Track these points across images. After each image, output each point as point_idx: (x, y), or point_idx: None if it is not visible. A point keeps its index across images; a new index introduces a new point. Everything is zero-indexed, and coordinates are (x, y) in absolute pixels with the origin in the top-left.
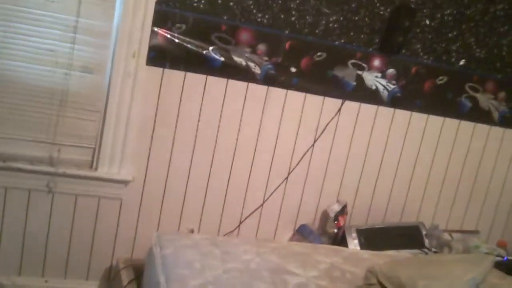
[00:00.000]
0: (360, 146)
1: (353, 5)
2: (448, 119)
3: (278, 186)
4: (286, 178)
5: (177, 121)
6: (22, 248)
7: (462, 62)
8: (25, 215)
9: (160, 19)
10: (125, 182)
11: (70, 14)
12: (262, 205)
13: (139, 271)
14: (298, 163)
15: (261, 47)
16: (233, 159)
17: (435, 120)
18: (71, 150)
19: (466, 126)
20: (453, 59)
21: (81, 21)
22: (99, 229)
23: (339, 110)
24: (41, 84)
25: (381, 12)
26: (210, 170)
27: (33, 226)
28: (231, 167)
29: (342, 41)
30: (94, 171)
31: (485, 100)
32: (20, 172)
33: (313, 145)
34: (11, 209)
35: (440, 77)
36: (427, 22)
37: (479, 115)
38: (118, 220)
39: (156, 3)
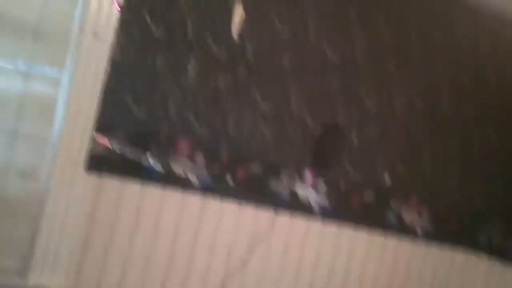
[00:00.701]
0: (294, 257)
1: (287, 121)
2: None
3: None
4: None
5: (113, 229)
6: None
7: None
8: None
9: (100, 127)
10: None
11: (9, 118)
12: None
13: None
14: (232, 275)
15: (199, 157)
16: (167, 268)
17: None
18: (1, 258)
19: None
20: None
21: (21, 125)
22: None
23: (273, 221)
24: None
25: (313, 129)
26: (145, 280)
27: None
28: (166, 277)
29: (277, 155)
30: (23, 279)
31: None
32: None
33: (246, 256)
34: None
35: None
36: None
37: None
38: None
39: (98, 111)
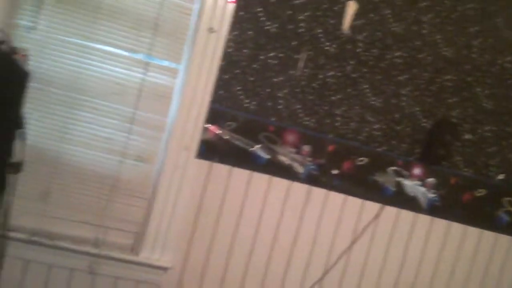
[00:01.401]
0: (397, 252)
1: (396, 115)
2: (486, 232)
3: (313, 286)
4: (321, 279)
5: (219, 214)
6: None
7: (501, 177)
8: None
9: (212, 116)
10: (164, 269)
11: (128, 106)
12: None
13: None
14: (333, 265)
15: (306, 148)
16: (269, 255)
17: (473, 231)
18: (116, 234)
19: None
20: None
21: (138, 113)
22: None
23: (378, 214)
24: (95, 169)
25: (423, 124)
26: (248, 266)
27: None
28: (268, 263)
29: (384, 148)
30: (135, 255)
31: None
32: (65, 251)
33: (349, 247)
34: (53, 286)
35: (479, 190)
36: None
37: None
38: None
39: (210, 102)
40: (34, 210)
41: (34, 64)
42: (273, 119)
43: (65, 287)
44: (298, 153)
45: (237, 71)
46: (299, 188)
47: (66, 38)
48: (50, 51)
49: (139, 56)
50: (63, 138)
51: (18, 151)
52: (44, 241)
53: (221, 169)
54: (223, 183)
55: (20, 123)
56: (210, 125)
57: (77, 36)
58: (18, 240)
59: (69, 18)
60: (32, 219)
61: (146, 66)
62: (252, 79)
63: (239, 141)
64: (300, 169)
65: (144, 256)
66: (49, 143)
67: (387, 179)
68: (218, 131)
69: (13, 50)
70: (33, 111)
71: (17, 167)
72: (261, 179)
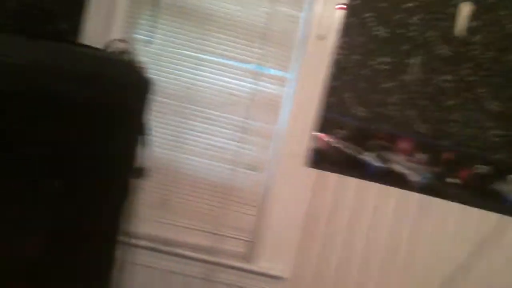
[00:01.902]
0: None
1: None
2: None
3: None
4: None
5: (330, 222)
6: None
7: None
8: None
9: (321, 124)
10: (278, 278)
11: (239, 115)
12: None
13: None
14: (451, 280)
15: (419, 156)
16: (383, 266)
17: None
18: (230, 242)
19: None
20: None
21: (249, 122)
22: None
23: (498, 225)
24: (208, 178)
25: None
26: (362, 278)
27: None
28: (382, 275)
29: (504, 155)
30: (249, 264)
31: None
32: (182, 258)
33: (467, 260)
34: None
35: None
36: None
37: None
38: None
39: (319, 110)
40: (153, 217)
41: (151, 77)
42: (384, 126)
43: None
44: (411, 161)
45: (347, 77)
46: (413, 198)
47: (180, 51)
48: (166, 63)
49: (250, 66)
50: (179, 148)
51: (141, 157)
52: (162, 247)
53: (330, 178)
54: (333, 192)
55: (143, 129)
56: (320, 132)
57: (190, 49)
58: (138, 246)
59: (183, 32)
60: (151, 226)
61: (256, 75)
62: (362, 85)
63: (349, 149)
64: (414, 177)
65: (258, 264)
66: (166, 152)
67: (507, 188)
68: (328, 139)
69: (135, 61)
70: (151, 121)
71: (140, 173)
72: (372, 188)
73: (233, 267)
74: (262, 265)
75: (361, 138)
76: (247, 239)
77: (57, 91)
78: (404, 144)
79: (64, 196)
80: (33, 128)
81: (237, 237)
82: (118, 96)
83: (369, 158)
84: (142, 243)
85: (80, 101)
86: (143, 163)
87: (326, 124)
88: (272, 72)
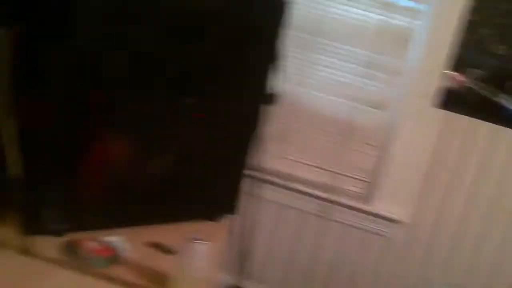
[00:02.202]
0: None
1: None
2: None
3: None
4: None
5: (456, 169)
6: (285, 264)
7: None
8: (294, 232)
9: (455, 62)
10: (394, 222)
11: (365, 49)
12: None
13: None
14: None
15: None
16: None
17: None
18: (348, 181)
19: None
20: None
21: (375, 57)
22: (362, 262)
23: None
24: (328, 114)
25: None
26: (486, 229)
27: (300, 244)
28: (510, 229)
29: None
30: (366, 205)
31: None
32: (296, 192)
33: None
34: (281, 224)
35: None
36: None
37: None
38: (379, 257)
39: (454, 46)
40: (272, 151)
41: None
42: None
43: (293, 228)
44: None
45: (486, 12)
46: None
47: None
48: None
49: None
50: (302, 82)
51: (273, 84)
52: (280, 181)
53: (460, 121)
54: (461, 136)
55: (277, 55)
56: (453, 72)
57: None
58: (258, 178)
59: None
60: (269, 159)
61: (387, 6)
62: (503, 21)
63: (484, 91)
64: None
65: (375, 206)
66: (289, 86)
67: None
68: (461, 79)
69: None
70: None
71: (271, 99)
72: (506, 134)
73: (349, 207)
74: (379, 207)
75: (499, 79)
76: (365, 179)
77: (197, 9)
78: None
79: (196, 115)
80: (170, 45)
81: (355, 176)
82: (255, 18)
83: (506, 101)
84: (261, 175)
85: (218, 19)
86: (275, 90)
87: (460, 62)
88: (405, 3)
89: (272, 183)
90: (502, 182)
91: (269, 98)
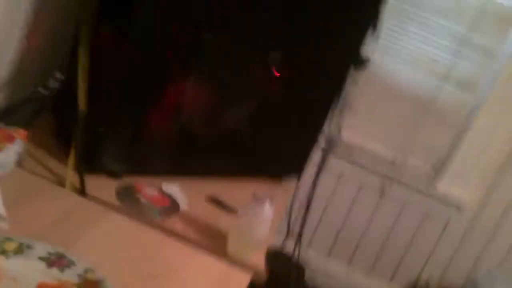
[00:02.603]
0: None
1: None
2: None
3: None
4: None
5: None
6: (337, 235)
7: None
8: (350, 205)
9: None
10: (458, 206)
11: (463, 27)
12: None
13: None
14: None
15: None
16: None
17: None
18: (415, 159)
19: None
20: None
21: (472, 36)
22: (416, 241)
23: None
24: (408, 88)
25: None
26: None
27: (354, 218)
28: None
29: None
30: (431, 186)
31: None
32: (359, 166)
33: None
34: (338, 196)
35: None
36: None
37: None
38: (439, 239)
39: None
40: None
41: None
42: None
43: (351, 199)
44: None
45: None
46: None
47: None
48: None
49: None
50: (386, 51)
51: (367, 49)
52: (345, 151)
53: None
54: None
55: (374, 22)
56: None
57: None
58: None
59: None
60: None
61: None
62: None
63: None
64: None
65: (441, 188)
66: (377, 54)
67: None
68: None
69: None
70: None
71: (361, 65)
72: None
73: (411, 186)
74: (444, 189)
75: None
76: (436, 160)
77: None
78: None
79: (281, 71)
80: None
81: (425, 156)
82: None
83: None
84: (331, 143)
85: None
86: (365, 57)
87: None
88: None
89: (338, 152)
90: None
91: (360, 64)
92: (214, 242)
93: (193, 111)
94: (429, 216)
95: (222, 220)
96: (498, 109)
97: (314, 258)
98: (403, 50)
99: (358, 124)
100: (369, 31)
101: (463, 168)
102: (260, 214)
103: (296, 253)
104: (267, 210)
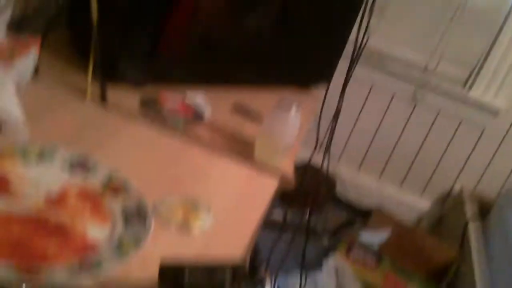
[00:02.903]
0: None
1: None
2: None
3: None
4: None
5: None
6: (368, 147)
7: None
8: (381, 116)
9: None
10: (495, 112)
11: None
12: None
13: (485, 208)
14: None
15: None
16: None
17: None
18: (450, 64)
19: None
20: None
21: None
22: (451, 151)
23: None
24: None
25: None
26: None
27: (386, 129)
28: None
29: None
30: (466, 91)
31: None
32: (390, 74)
33: None
34: (370, 106)
35: None
36: None
37: None
38: (474, 148)
39: None
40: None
41: None
42: None
43: (382, 111)
44: None
45: None
46: None
47: None
48: None
49: None
50: None
51: None
52: (374, 59)
53: None
54: None
55: None
56: None
57: None
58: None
59: None
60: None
61: None
62: None
63: None
64: None
65: (476, 93)
66: None
67: None
68: None
69: None
70: None
71: None
72: None
73: (445, 91)
74: (479, 93)
75: None
76: (471, 64)
77: None
78: None
79: None
80: None
81: (460, 60)
82: None
83: None
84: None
85: None
86: None
87: None
88: None
89: (368, 60)
90: None
91: None
92: (241, 149)
93: (212, 15)
94: (464, 123)
95: (249, 128)
96: None
97: (345, 171)
98: None
99: (388, 29)
100: None
101: (498, 73)
102: (286, 120)
103: (326, 165)
104: (294, 116)
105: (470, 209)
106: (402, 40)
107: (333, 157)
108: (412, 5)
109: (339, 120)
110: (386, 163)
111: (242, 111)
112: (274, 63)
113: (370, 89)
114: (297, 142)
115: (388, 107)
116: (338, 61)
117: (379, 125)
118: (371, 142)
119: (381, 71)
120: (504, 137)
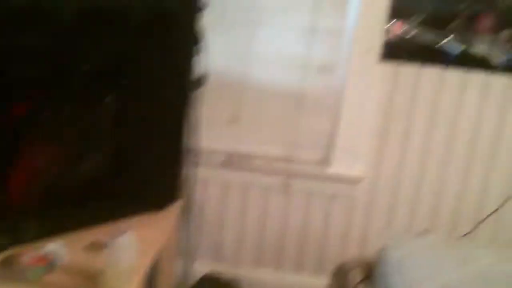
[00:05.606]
0: None
1: None
2: None
3: None
4: None
5: (409, 118)
6: (255, 242)
7: None
8: (259, 212)
9: (394, 13)
10: (356, 180)
11: (305, 16)
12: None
13: (369, 271)
14: None
15: (503, 34)
16: (468, 160)
17: None
18: (306, 148)
19: None
20: None
21: (315, 21)
22: (330, 227)
23: None
24: (279, 86)
25: None
26: (444, 171)
27: (266, 222)
28: (467, 169)
29: None
30: (326, 169)
31: None
32: (255, 170)
33: None
34: (250, 205)
35: None
36: None
37: None
38: (349, 217)
39: None
40: (225, 133)
41: None
42: (464, 5)
43: (261, 204)
44: (494, 40)
45: None
46: (497, 84)
47: None
48: None
49: None
50: (245, 59)
51: (198, 67)
52: (237, 161)
53: (408, 70)
54: (410, 86)
55: (196, 38)
56: (393, 23)
57: None
58: (213, 164)
59: None
60: (224, 142)
61: None
62: None
63: (427, 36)
64: (497, 59)
65: (335, 168)
66: (232, 66)
67: None
68: (402, 28)
69: None
70: (214, 37)
71: (198, 82)
72: (452, 77)
73: (310, 174)
74: (338, 167)
75: (439, 23)
76: (324, 143)
77: (109, 5)
78: (485, 22)
79: (123, 111)
80: (85, 44)
81: (313, 142)
82: (168, 5)
83: (449, 43)
84: (216, 158)
85: (132, 12)
86: (201, 73)
87: (399, 12)
88: None
89: (228, 164)
90: (452, 125)
91: (196, 82)
92: (91, 283)
93: (52, 169)
94: (333, 198)
95: (99, 260)
96: (360, 80)
97: (245, 273)
98: (261, 52)
99: (246, 134)
100: (193, 50)
101: (349, 143)
102: (121, 246)
103: (226, 273)
104: (128, 240)
105: (355, 276)
106: (262, 140)
107: (232, 263)
108: (258, 107)
109: (227, 225)
110: (279, 254)
111: (98, 246)
112: (121, 197)
113: (243, 190)
114: (143, 263)
115: (262, 202)
116: (180, 182)
117: (259, 220)
118: (257, 238)
119: (252, 171)
120: (372, 199)
